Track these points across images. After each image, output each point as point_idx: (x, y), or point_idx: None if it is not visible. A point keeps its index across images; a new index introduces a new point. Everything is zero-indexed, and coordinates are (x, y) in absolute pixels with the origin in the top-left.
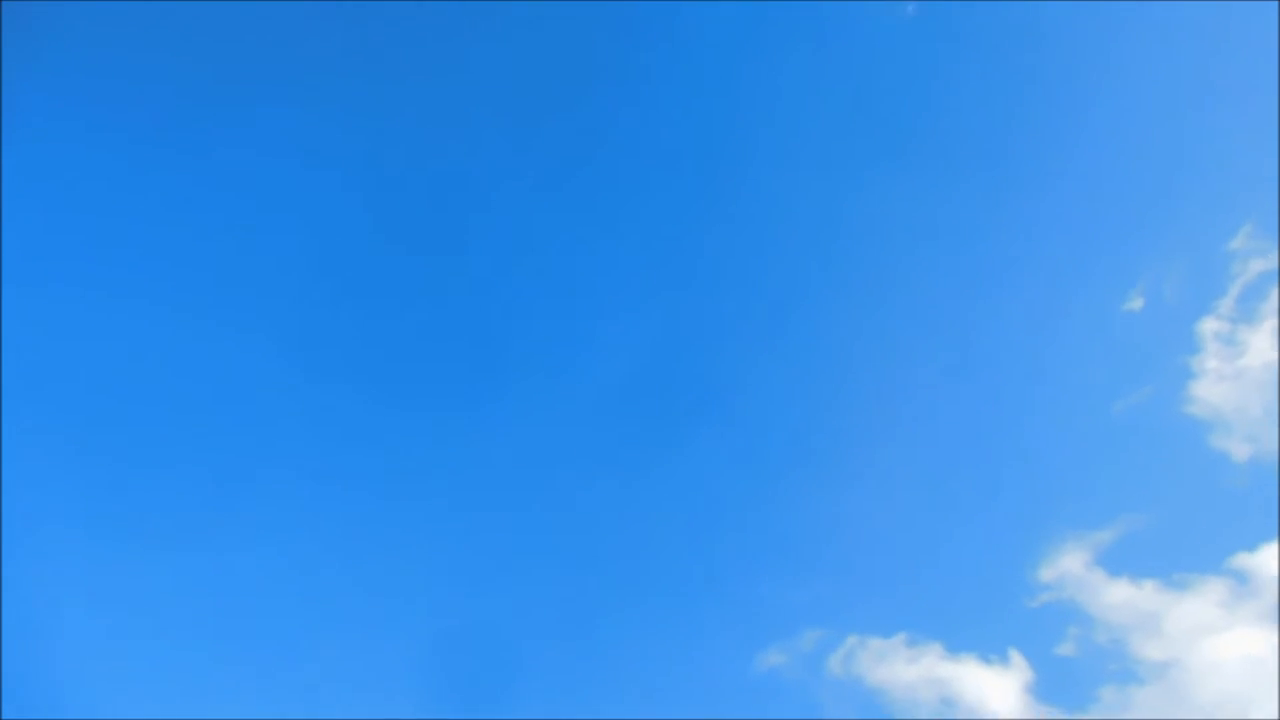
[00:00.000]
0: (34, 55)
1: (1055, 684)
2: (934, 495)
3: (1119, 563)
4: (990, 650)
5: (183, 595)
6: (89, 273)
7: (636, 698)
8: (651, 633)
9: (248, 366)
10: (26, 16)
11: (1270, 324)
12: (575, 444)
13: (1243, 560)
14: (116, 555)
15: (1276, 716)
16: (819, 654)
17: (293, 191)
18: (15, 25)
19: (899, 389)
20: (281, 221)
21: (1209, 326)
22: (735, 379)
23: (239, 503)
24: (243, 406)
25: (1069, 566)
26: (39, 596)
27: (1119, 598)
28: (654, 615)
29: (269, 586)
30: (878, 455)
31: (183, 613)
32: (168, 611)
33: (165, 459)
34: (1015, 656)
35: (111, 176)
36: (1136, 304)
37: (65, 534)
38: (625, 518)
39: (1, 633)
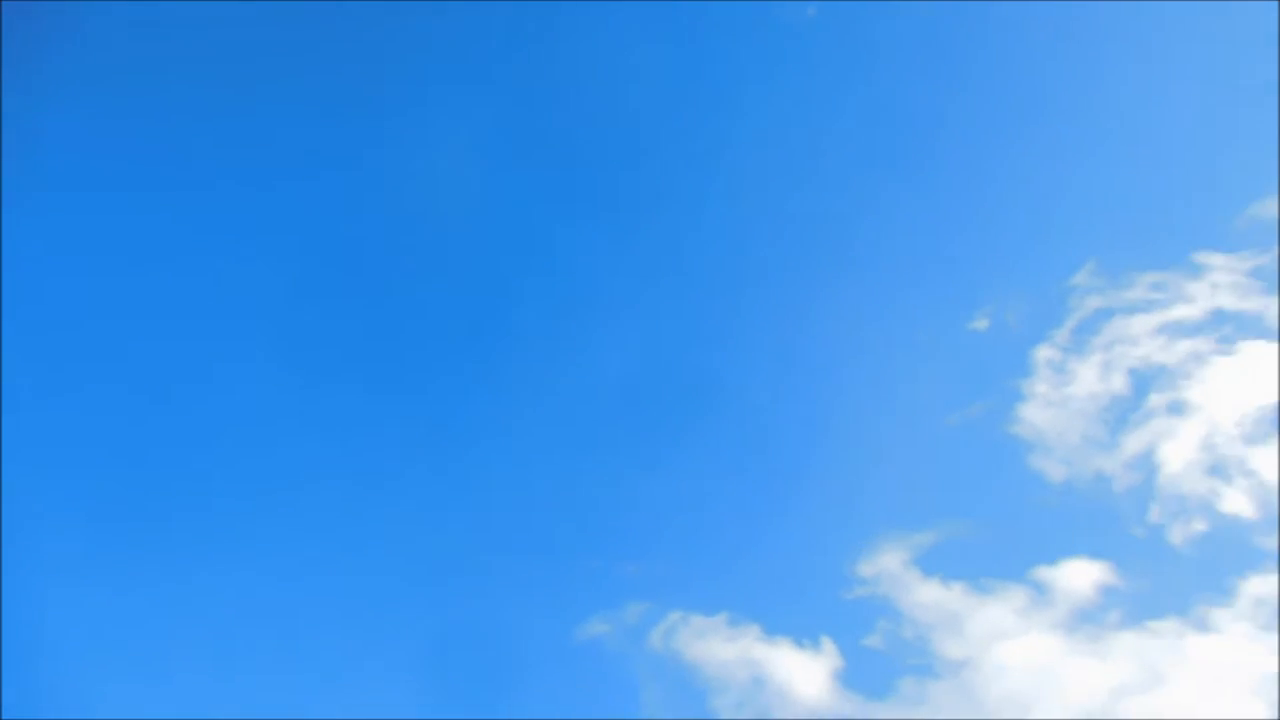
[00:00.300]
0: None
1: (860, 672)
2: (767, 484)
3: (933, 564)
4: (804, 635)
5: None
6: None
7: (459, 654)
8: (477, 597)
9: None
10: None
11: (1099, 358)
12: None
13: (1043, 573)
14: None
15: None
16: (642, 627)
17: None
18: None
19: (741, 377)
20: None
21: (1043, 354)
22: (568, 354)
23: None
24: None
25: (886, 564)
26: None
27: (928, 597)
28: (482, 580)
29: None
30: (714, 441)
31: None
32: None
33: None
34: (827, 643)
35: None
36: (982, 324)
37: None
38: (460, 489)
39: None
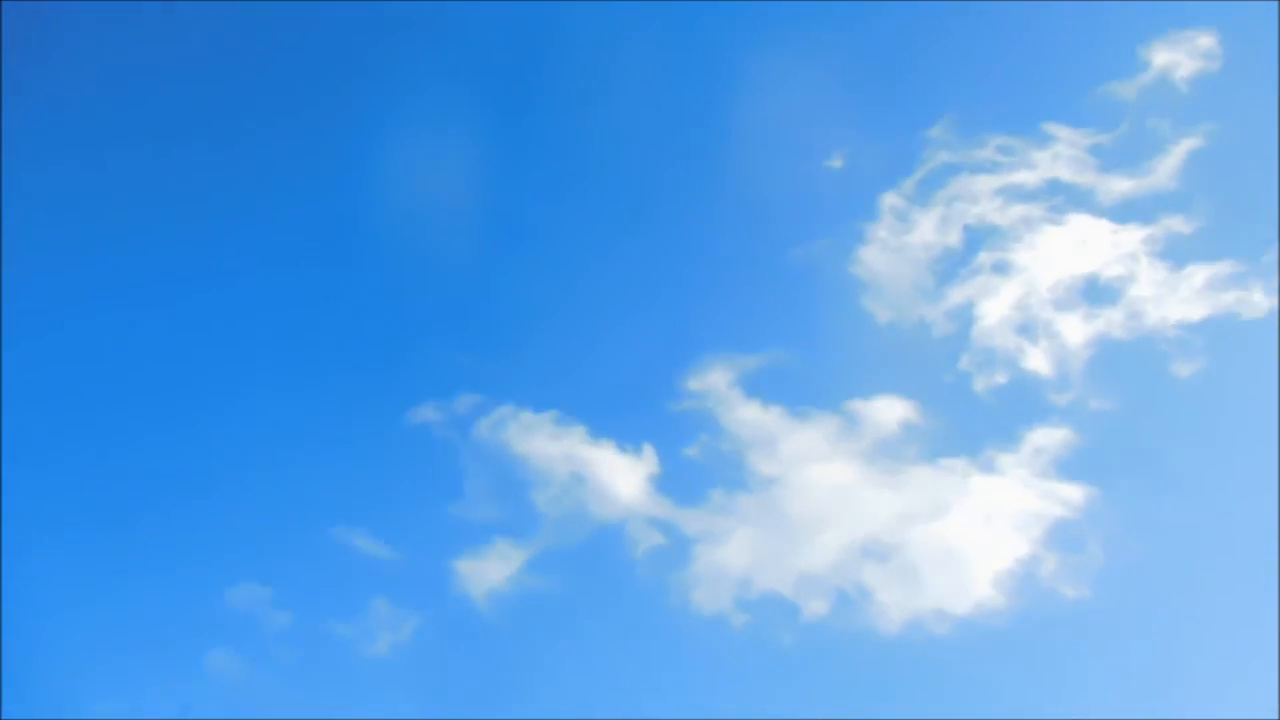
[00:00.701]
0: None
1: (676, 480)
2: (607, 293)
3: (756, 387)
4: (628, 441)
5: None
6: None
7: (282, 436)
8: (307, 378)
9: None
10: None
11: (939, 211)
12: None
13: (856, 405)
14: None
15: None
16: (470, 417)
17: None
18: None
19: (596, 184)
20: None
21: (889, 200)
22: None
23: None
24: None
25: (714, 381)
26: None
27: (748, 417)
28: (315, 354)
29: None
30: (562, 246)
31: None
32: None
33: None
34: (648, 450)
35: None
36: (837, 163)
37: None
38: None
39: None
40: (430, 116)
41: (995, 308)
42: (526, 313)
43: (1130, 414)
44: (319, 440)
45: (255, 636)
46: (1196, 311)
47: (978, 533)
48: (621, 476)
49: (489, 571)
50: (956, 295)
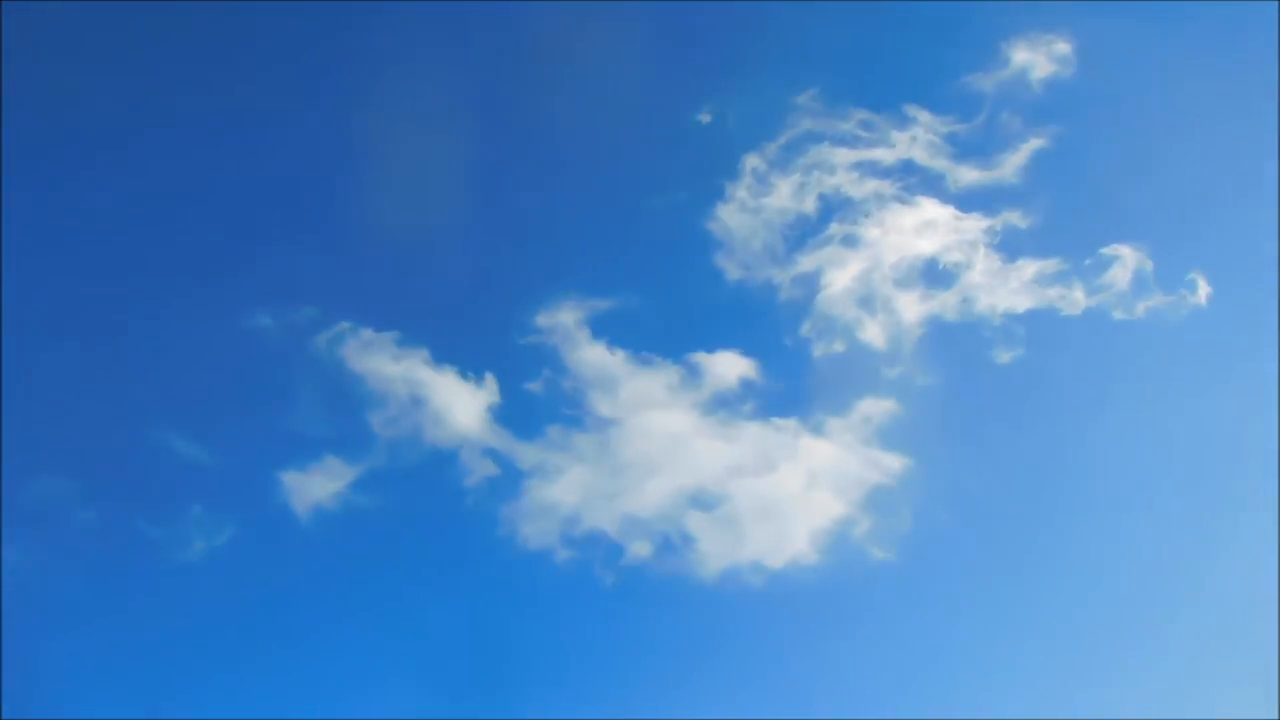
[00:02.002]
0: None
1: (515, 413)
2: (464, 219)
3: (604, 329)
4: (470, 369)
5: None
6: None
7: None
8: (141, 271)
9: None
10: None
11: (798, 178)
12: None
13: (699, 357)
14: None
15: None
16: (309, 329)
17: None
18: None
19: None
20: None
21: (752, 161)
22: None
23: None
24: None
25: (562, 319)
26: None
27: (593, 357)
28: (148, 260)
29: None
30: (428, 175)
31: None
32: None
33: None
34: (490, 380)
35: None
36: (705, 118)
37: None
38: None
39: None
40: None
41: (840, 278)
42: (376, 231)
43: (951, 393)
44: (144, 337)
45: (54, 530)
46: (1021, 303)
47: (800, 491)
48: (460, 404)
49: (315, 486)
50: (806, 262)
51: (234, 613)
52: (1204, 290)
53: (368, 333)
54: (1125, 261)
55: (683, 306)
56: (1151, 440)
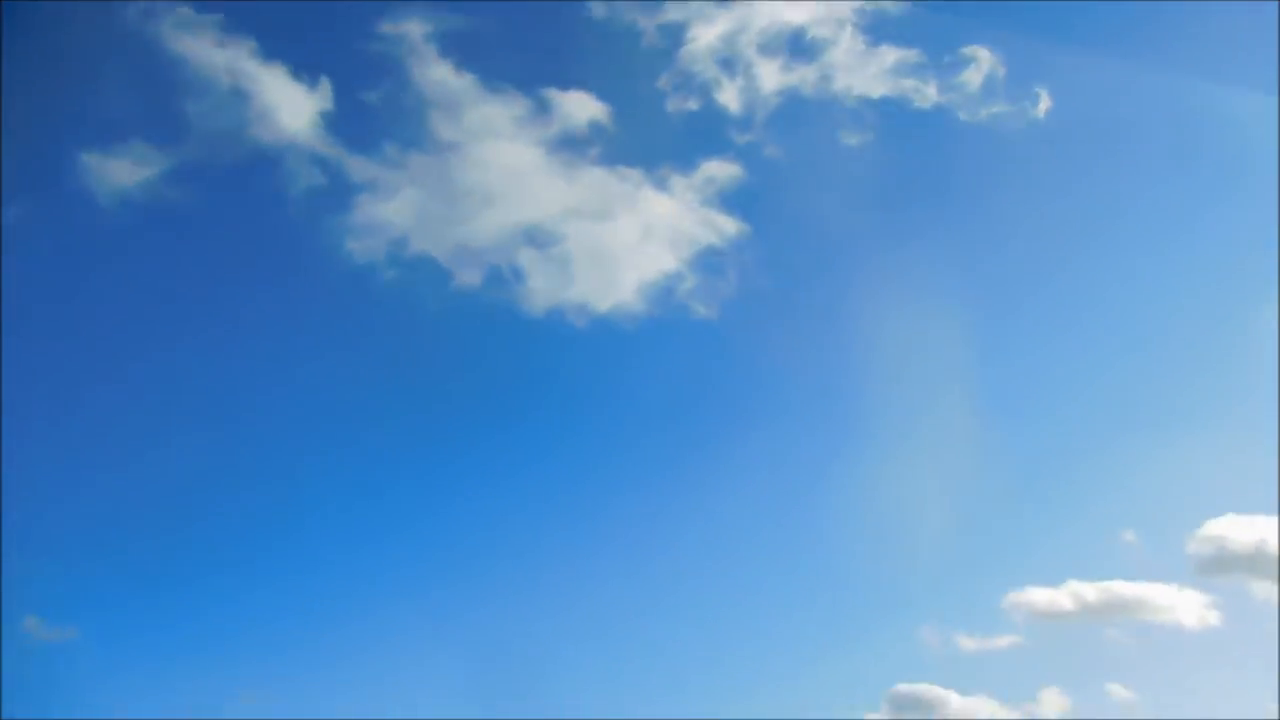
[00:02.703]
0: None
1: (349, 123)
2: None
3: (453, 48)
4: (304, 69)
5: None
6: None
7: None
8: None
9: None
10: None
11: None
12: None
13: (551, 93)
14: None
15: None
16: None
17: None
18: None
19: None
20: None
21: None
22: None
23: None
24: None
25: (410, 30)
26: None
27: (439, 76)
28: None
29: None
30: None
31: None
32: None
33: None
34: (324, 84)
35: None
36: None
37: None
38: None
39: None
40: None
41: (706, 34)
42: None
43: (795, 166)
44: None
45: None
46: (877, 89)
47: (634, 241)
48: (289, 105)
49: (119, 172)
50: (674, 13)
51: (20, 295)
52: (1045, 104)
53: (187, 11)
54: (980, 64)
55: (539, 38)
56: (975, 238)
